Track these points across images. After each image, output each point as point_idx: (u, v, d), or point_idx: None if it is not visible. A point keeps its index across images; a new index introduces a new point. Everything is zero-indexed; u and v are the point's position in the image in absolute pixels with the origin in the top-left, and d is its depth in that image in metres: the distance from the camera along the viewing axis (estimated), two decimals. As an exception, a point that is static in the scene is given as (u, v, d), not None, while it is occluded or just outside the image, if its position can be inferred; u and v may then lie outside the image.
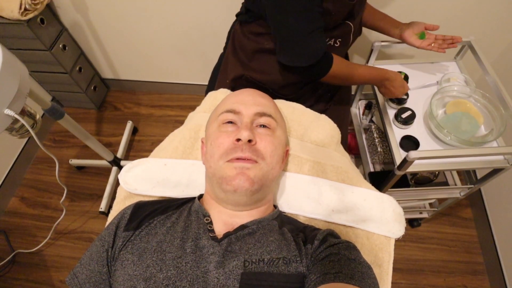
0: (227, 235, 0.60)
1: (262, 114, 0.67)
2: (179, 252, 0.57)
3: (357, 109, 1.47)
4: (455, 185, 1.28)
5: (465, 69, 1.18)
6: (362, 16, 1.05)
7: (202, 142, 0.75)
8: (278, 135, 0.69)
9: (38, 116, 1.05)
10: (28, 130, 0.96)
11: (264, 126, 0.67)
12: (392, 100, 1.09)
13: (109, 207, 1.67)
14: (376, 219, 0.73)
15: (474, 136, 0.98)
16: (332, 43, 0.93)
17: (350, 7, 0.88)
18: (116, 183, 1.74)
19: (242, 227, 0.62)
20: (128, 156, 1.89)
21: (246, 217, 0.64)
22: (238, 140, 0.62)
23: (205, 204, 0.68)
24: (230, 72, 1.04)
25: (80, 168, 1.85)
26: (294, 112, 0.88)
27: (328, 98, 1.13)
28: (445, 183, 1.32)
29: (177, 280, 0.53)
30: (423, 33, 1.00)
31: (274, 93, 1.02)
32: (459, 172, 1.34)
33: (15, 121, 0.90)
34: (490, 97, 1.01)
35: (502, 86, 1.03)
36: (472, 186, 1.15)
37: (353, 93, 1.47)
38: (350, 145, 1.57)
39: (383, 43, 1.15)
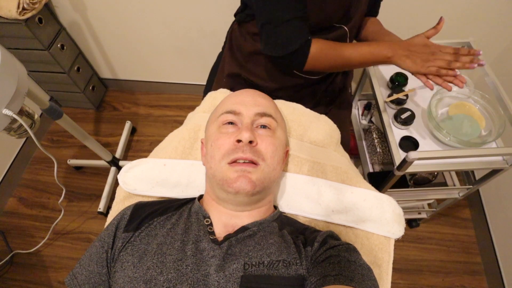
0: (227, 237, 0.60)
1: (262, 115, 0.67)
2: (179, 254, 0.57)
3: (356, 109, 1.47)
4: (454, 185, 1.29)
5: (464, 70, 1.17)
6: (361, 25, 1.01)
7: (202, 142, 0.74)
8: (278, 135, 0.68)
9: (36, 116, 1.04)
10: (26, 130, 0.95)
11: (264, 126, 0.67)
12: (391, 101, 1.08)
13: (108, 207, 1.67)
14: (375, 220, 0.73)
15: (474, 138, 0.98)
16: None
17: (345, 8, 0.85)
18: (115, 184, 1.73)
19: (243, 229, 0.62)
20: (127, 156, 1.89)
21: (246, 218, 0.64)
22: (239, 141, 0.62)
23: (205, 205, 0.68)
24: (227, 69, 1.03)
25: (78, 168, 1.85)
26: (294, 112, 0.87)
27: (328, 102, 1.12)
28: (444, 184, 1.32)
29: (178, 283, 0.53)
30: None
31: (271, 94, 1.01)
32: (458, 173, 1.34)
33: (14, 121, 0.90)
34: (489, 98, 1.01)
35: (501, 87, 1.03)
36: (471, 186, 1.15)
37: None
38: (350, 146, 1.56)
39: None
